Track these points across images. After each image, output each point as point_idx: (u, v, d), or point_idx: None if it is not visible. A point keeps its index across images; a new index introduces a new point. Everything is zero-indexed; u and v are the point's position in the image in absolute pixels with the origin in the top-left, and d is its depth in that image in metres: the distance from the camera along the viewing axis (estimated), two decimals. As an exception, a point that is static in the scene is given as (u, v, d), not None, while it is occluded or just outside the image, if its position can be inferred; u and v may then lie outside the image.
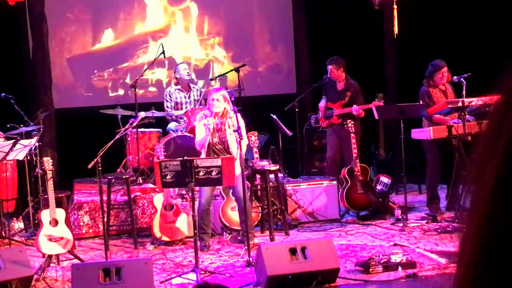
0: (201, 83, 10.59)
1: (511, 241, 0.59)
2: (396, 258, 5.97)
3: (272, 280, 5.51)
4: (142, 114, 7.43)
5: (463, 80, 7.58)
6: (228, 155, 6.68)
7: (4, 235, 7.41)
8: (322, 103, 8.69)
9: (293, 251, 5.66)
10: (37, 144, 7.77)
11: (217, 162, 5.94)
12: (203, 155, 6.89)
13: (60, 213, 6.44)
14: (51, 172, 6.41)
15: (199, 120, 6.98)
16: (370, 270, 5.88)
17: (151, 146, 8.52)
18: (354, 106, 8.28)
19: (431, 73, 7.83)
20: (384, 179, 8.34)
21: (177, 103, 8.81)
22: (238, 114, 6.91)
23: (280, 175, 8.09)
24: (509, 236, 0.59)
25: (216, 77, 9.59)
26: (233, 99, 7.28)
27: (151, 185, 8.12)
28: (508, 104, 0.63)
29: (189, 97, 8.85)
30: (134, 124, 7.37)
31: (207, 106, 6.98)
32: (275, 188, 7.66)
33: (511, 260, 0.59)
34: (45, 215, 6.36)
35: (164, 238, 7.23)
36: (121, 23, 10.67)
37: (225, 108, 6.83)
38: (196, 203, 6.68)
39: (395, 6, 9.11)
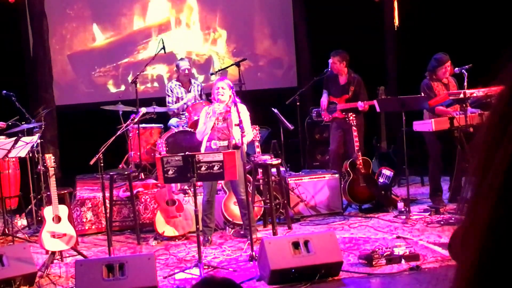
0: (201, 78, 10.59)
1: None
2: (399, 251, 5.97)
3: (275, 274, 5.52)
4: (143, 110, 7.43)
5: (464, 72, 7.57)
6: (229, 140, 6.74)
7: (7, 232, 7.42)
8: (324, 99, 8.66)
9: (296, 245, 5.66)
10: (38, 141, 7.77)
11: (219, 156, 5.94)
12: (206, 137, 6.88)
13: (63, 210, 6.44)
14: (53, 168, 6.42)
15: (205, 113, 6.97)
16: (373, 263, 5.89)
17: (153, 141, 8.52)
18: (360, 102, 8.26)
19: (434, 67, 7.80)
20: (386, 172, 8.34)
21: (178, 98, 8.82)
22: (244, 107, 6.91)
23: (282, 169, 8.09)
24: None
25: (216, 72, 9.58)
26: (233, 92, 7.30)
27: (153, 181, 8.13)
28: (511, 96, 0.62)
29: (189, 92, 8.85)
30: (136, 120, 7.37)
31: (212, 96, 6.99)
32: (277, 182, 7.66)
33: None
34: (48, 212, 6.37)
35: (167, 234, 7.23)
36: (121, 19, 10.66)
37: (230, 96, 6.87)
38: (199, 198, 6.70)
39: (395, -2, 9.09)
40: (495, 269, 0.60)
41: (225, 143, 6.85)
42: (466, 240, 0.63)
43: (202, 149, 6.88)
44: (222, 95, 6.84)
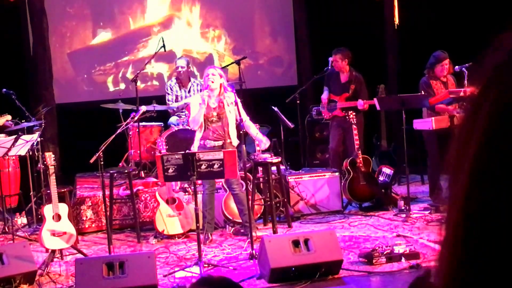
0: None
1: (488, 229, 0.59)
2: (399, 249, 5.97)
3: (275, 273, 5.52)
4: (143, 108, 7.42)
5: (464, 70, 7.56)
6: (225, 138, 6.73)
7: (7, 230, 7.42)
8: (324, 95, 8.65)
9: (296, 243, 5.66)
10: (39, 139, 7.77)
11: (219, 155, 5.94)
12: (199, 134, 6.84)
13: (63, 208, 6.44)
14: (53, 167, 6.42)
15: (199, 99, 6.90)
16: (374, 261, 5.89)
17: (153, 140, 8.52)
18: (360, 100, 8.24)
19: (432, 64, 7.80)
20: (387, 170, 8.34)
21: (177, 97, 8.81)
22: (233, 94, 6.88)
23: (282, 167, 8.09)
24: (486, 224, 0.60)
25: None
26: (234, 91, 7.28)
27: (153, 179, 8.12)
28: (482, 95, 0.63)
29: (189, 91, 8.84)
30: (136, 118, 7.36)
31: (203, 83, 6.90)
32: (277, 181, 7.66)
33: (491, 248, 0.59)
34: (48, 210, 6.37)
35: (167, 232, 7.23)
36: (121, 17, 10.65)
37: (221, 84, 6.80)
38: (199, 196, 6.69)
39: (395, -4, 9.09)
40: (468, 271, 0.61)
41: (220, 143, 6.82)
42: (444, 237, 0.64)
43: (195, 147, 6.82)
44: (213, 81, 6.72)
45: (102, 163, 6.41)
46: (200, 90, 8.86)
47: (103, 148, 6.39)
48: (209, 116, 6.81)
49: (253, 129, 6.99)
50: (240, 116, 6.66)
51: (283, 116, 8.52)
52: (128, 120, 7.31)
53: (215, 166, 5.90)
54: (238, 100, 6.87)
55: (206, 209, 6.97)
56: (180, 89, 8.83)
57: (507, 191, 0.58)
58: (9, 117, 7.83)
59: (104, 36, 10.58)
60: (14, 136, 6.98)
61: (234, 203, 7.07)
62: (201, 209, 6.80)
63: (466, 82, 7.47)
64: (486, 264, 0.59)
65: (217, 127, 6.83)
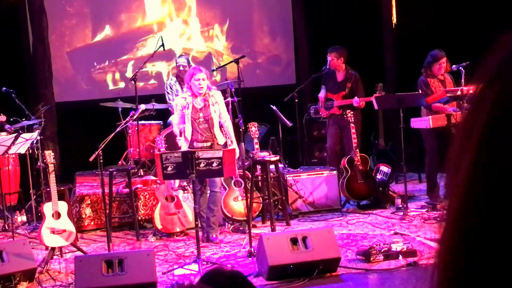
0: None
1: (488, 227, 0.60)
2: (396, 247, 6.01)
3: (273, 270, 5.55)
4: (142, 107, 7.45)
5: (462, 69, 7.60)
6: (212, 139, 6.77)
7: (7, 228, 7.45)
8: (322, 94, 8.69)
9: (294, 241, 5.69)
10: (38, 137, 7.80)
11: (218, 153, 5.96)
12: (188, 133, 6.84)
13: (63, 206, 6.48)
14: (52, 165, 6.45)
15: (178, 106, 6.85)
16: (371, 259, 5.92)
17: (152, 138, 8.55)
18: (355, 98, 8.27)
19: (429, 63, 7.84)
20: (384, 169, 8.38)
21: (178, 95, 8.84)
22: (219, 92, 6.93)
23: (280, 165, 8.12)
24: (485, 222, 0.60)
25: (216, 69, 9.61)
26: (233, 90, 7.31)
27: (152, 177, 8.15)
28: (483, 92, 0.64)
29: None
30: (135, 117, 7.39)
31: (188, 86, 6.81)
32: (275, 179, 7.70)
33: (490, 246, 0.60)
34: (47, 208, 6.40)
35: (166, 230, 7.26)
36: (120, 15, 10.68)
37: (207, 85, 6.82)
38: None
39: (393, -4, 9.11)
40: (467, 269, 0.61)
41: (208, 144, 6.83)
42: (442, 237, 0.65)
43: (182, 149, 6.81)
44: (202, 86, 6.72)
45: (102, 161, 6.44)
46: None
47: (103, 146, 6.43)
48: (196, 117, 6.82)
49: (229, 131, 6.97)
50: (242, 127, 6.66)
51: (281, 115, 8.56)
52: (127, 119, 7.34)
53: (214, 164, 5.93)
54: (221, 98, 6.91)
55: (201, 209, 6.98)
56: (180, 87, 8.85)
57: (507, 189, 0.59)
58: (3, 117, 7.85)
59: (103, 34, 10.61)
60: (14, 134, 7.02)
61: (208, 201, 6.93)
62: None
63: (463, 81, 7.51)
64: (485, 262, 0.60)
65: (204, 128, 6.84)
